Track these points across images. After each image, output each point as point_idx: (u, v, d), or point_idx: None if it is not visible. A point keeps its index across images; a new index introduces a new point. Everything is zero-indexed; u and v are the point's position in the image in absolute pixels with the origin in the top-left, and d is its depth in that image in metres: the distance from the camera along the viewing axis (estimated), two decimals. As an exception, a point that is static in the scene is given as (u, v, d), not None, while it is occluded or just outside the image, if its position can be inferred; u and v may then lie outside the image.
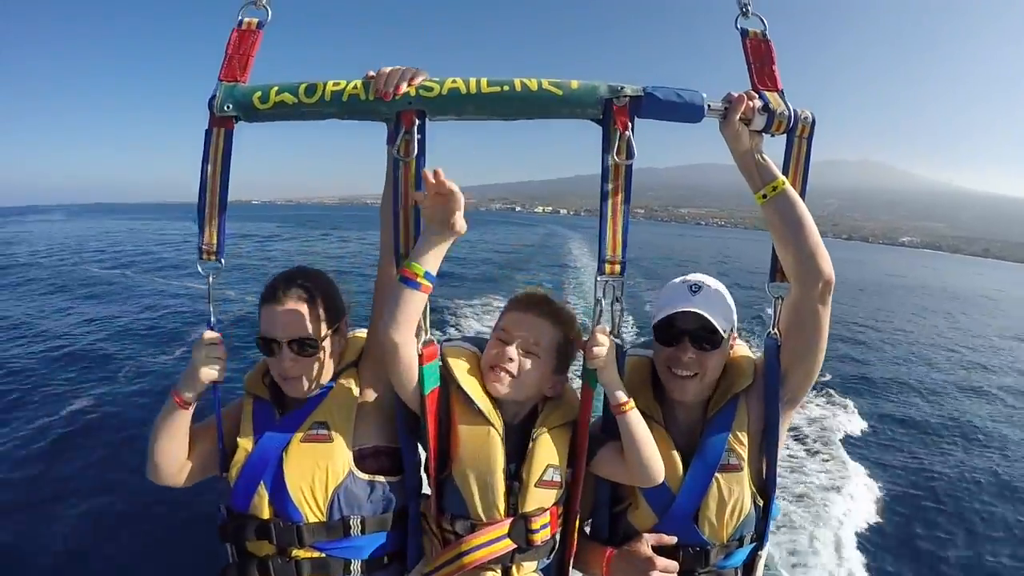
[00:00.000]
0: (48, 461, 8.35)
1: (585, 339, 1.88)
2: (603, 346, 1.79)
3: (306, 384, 1.93)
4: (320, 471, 1.88)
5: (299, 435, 1.91)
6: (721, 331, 1.90)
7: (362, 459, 1.95)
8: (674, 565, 1.91)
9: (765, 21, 1.86)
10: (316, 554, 1.90)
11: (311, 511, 1.88)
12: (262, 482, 1.87)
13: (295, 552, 1.89)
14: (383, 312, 1.80)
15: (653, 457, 1.88)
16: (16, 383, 11.06)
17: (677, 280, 2.07)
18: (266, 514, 1.89)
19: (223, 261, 1.87)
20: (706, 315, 1.87)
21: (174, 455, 1.92)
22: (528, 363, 1.89)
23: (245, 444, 1.92)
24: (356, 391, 1.99)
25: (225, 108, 1.73)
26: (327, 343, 1.95)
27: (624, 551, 1.96)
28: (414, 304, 1.78)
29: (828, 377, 13.69)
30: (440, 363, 1.94)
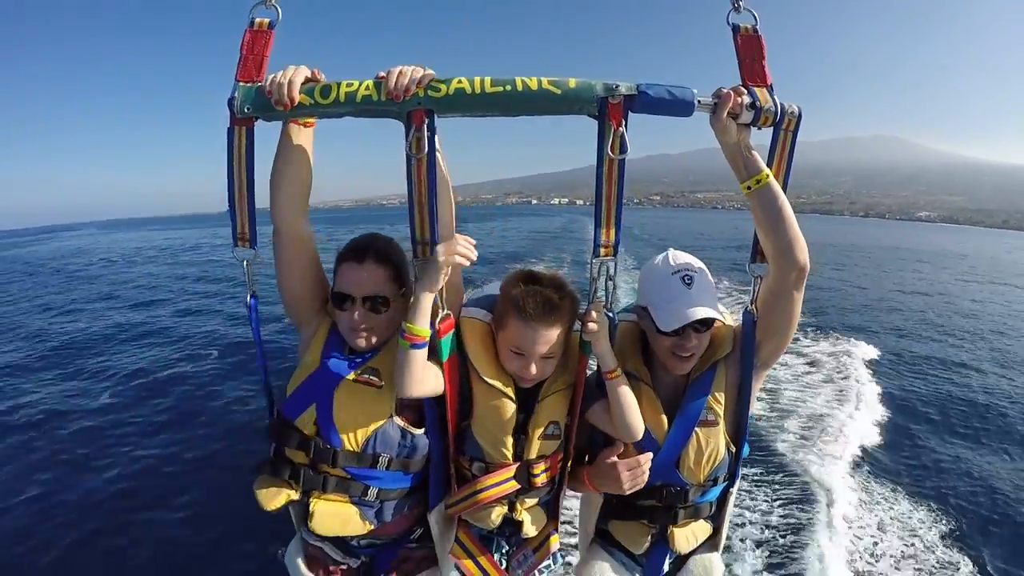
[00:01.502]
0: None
1: (582, 310, 2.03)
2: (598, 320, 1.96)
3: (371, 339, 2.05)
4: (365, 413, 2.04)
5: (353, 375, 2.03)
6: (718, 316, 2.02)
7: (401, 409, 2.09)
8: (636, 460, 2.10)
9: (756, 16, 1.89)
10: (342, 474, 2.05)
11: (349, 442, 2.02)
12: (314, 404, 2.02)
13: (325, 468, 2.05)
14: (400, 378, 1.92)
15: (634, 418, 2.06)
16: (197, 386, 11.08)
17: (661, 265, 2.14)
18: (309, 431, 2.03)
19: (256, 248, 1.96)
20: (710, 315, 1.99)
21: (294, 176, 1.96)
22: (548, 365, 2.05)
23: (311, 361, 2.06)
24: None
25: (245, 110, 1.78)
26: (395, 304, 2.05)
27: (596, 463, 2.19)
28: (422, 357, 1.92)
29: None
30: (455, 334, 2.07)
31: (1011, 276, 34.43)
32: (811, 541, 5.96)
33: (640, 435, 2.09)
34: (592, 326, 1.95)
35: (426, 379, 1.96)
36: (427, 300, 1.88)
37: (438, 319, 1.93)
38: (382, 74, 1.76)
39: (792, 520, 6.31)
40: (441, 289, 1.89)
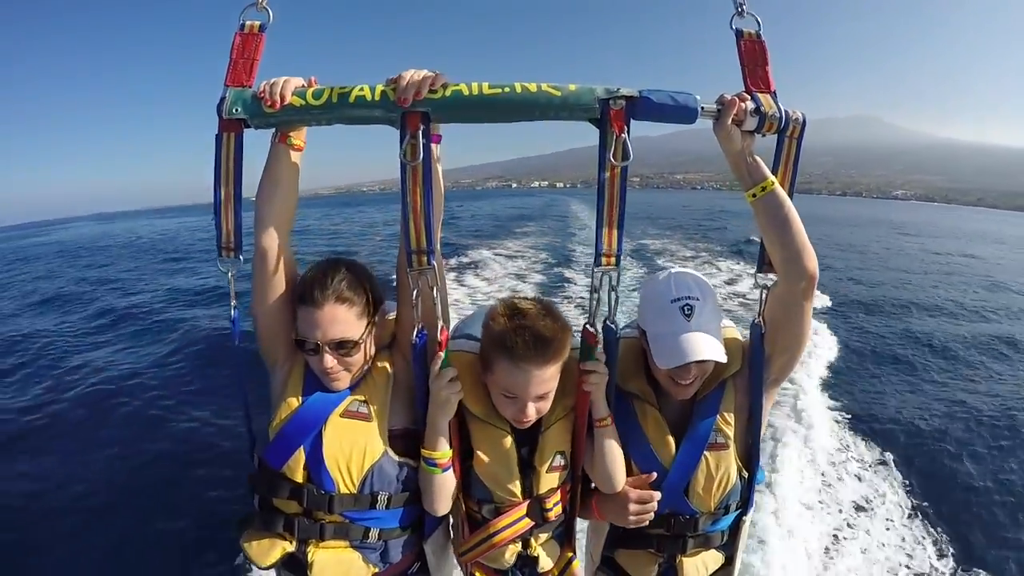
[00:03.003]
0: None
1: (582, 329, 1.90)
2: (598, 374, 1.88)
3: (347, 379, 1.94)
4: (358, 448, 1.92)
5: (340, 410, 1.93)
6: (719, 358, 1.90)
7: (392, 440, 1.98)
8: (648, 494, 2.01)
9: (760, 21, 1.86)
10: (340, 519, 1.94)
11: (344, 483, 1.91)
12: (301, 447, 1.89)
13: (321, 515, 1.93)
14: (432, 502, 1.95)
15: (617, 471, 2.00)
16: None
17: (661, 289, 2.01)
18: (300, 478, 1.90)
19: (242, 257, 1.88)
20: (710, 356, 1.87)
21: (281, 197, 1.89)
22: (545, 404, 1.92)
23: (291, 402, 1.93)
24: (390, 373, 2.02)
25: (234, 111, 1.73)
26: (367, 338, 1.93)
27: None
28: (449, 479, 1.94)
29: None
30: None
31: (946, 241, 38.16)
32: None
33: (619, 487, 2.03)
34: (593, 379, 1.87)
35: (453, 492, 1.99)
36: (444, 425, 1.89)
37: (437, 330, 1.86)
38: (393, 77, 1.73)
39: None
40: (444, 301, 1.86)
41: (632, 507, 2.03)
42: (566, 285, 17.35)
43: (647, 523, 2.06)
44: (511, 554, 2.09)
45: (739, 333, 2.18)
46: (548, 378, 1.86)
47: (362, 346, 1.92)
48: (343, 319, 1.86)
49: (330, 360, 1.86)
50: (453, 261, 21.06)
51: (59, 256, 36.08)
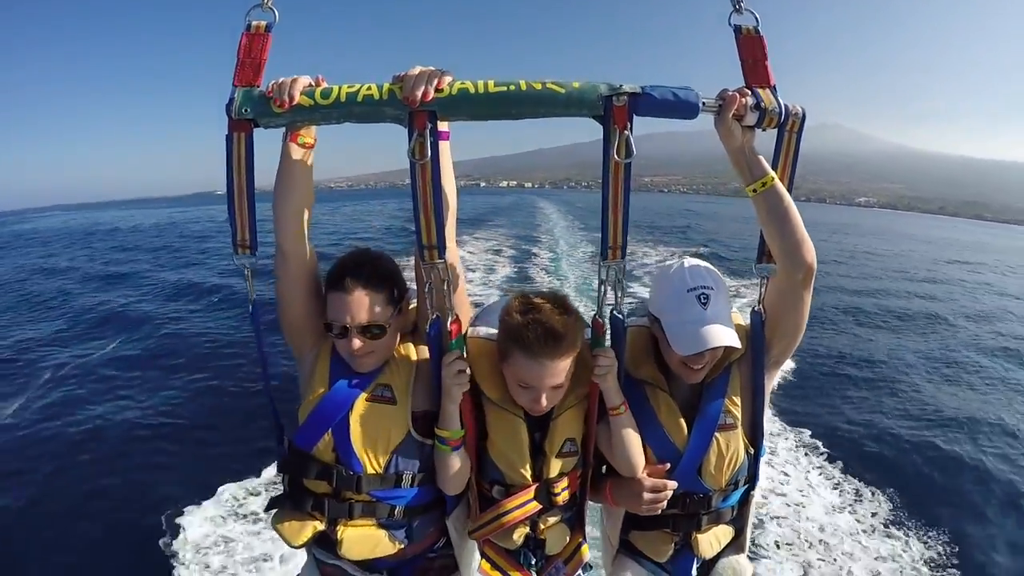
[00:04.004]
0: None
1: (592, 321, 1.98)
2: (608, 361, 1.92)
3: (373, 361, 2.00)
4: (383, 431, 1.98)
5: (366, 394, 1.99)
6: (735, 343, 1.96)
7: (415, 421, 2.02)
8: (662, 483, 2.06)
9: (758, 16, 1.85)
10: (367, 498, 2.00)
11: (371, 464, 1.97)
12: (330, 430, 1.96)
13: (349, 494, 1.99)
14: (445, 481, 2.02)
15: (635, 455, 2.03)
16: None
17: (676, 278, 2.05)
18: (329, 459, 1.98)
19: (256, 254, 1.89)
20: (727, 342, 1.92)
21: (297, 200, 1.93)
22: (559, 393, 1.96)
23: (319, 386, 2.00)
24: (413, 358, 2.08)
25: (243, 111, 1.74)
26: (392, 323, 2.00)
27: (619, 477, 2.14)
28: (462, 455, 2.01)
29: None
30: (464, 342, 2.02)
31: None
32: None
33: (638, 471, 2.07)
34: (602, 365, 1.92)
35: (465, 471, 2.04)
36: (453, 409, 1.95)
37: (448, 321, 1.91)
38: (400, 74, 1.72)
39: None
40: (448, 287, 1.88)
41: (646, 495, 2.06)
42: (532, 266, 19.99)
43: (659, 511, 2.11)
44: (519, 535, 2.14)
45: (742, 319, 2.22)
46: (561, 370, 1.90)
47: (388, 332, 1.99)
48: (371, 305, 1.93)
49: (358, 343, 1.92)
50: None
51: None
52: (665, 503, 2.08)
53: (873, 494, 7.29)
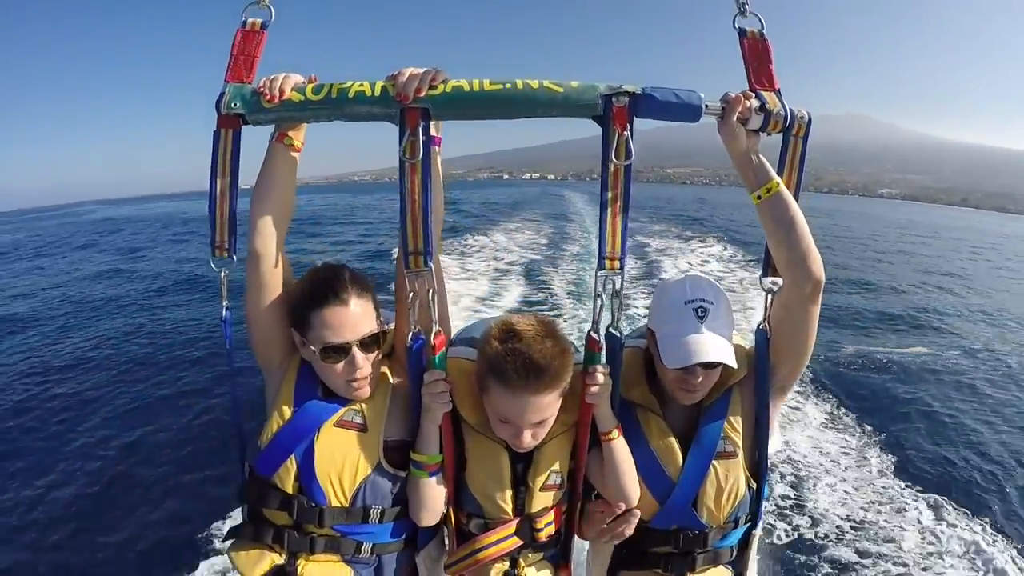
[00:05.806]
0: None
1: (583, 345, 1.88)
2: (601, 379, 1.81)
3: (367, 387, 1.90)
4: (351, 460, 1.86)
5: (334, 419, 1.88)
6: (728, 361, 1.87)
7: (387, 451, 1.92)
8: (626, 519, 1.97)
9: (763, 20, 1.83)
10: (331, 533, 1.89)
11: (336, 496, 1.86)
12: (293, 456, 1.85)
13: (311, 528, 1.87)
14: (419, 510, 1.91)
15: (629, 484, 1.92)
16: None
17: (675, 291, 1.97)
18: (290, 488, 1.85)
19: (235, 257, 1.83)
20: (719, 359, 1.84)
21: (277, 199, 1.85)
22: (543, 428, 1.86)
23: (283, 410, 1.88)
24: (389, 383, 1.98)
25: (232, 106, 1.70)
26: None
27: (588, 508, 2.08)
28: (436, 486, 1.90)
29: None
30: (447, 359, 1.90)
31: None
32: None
33: (634, 502, 1.96)
34: (595, 389, 1.80)
35: (441, 501, 1.94)
36: (432, 430, 1.86)
37: (432, 335, 1.81)
38: (393, 73, 1.69)
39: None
40: (432, 298, 1.79)
41: (602, 523, 2.01)
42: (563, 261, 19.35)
43: (624, 537, 2.02)
44: (498, 572, 2.02)
45: (744, 341, 2.13)
46: (544, 406, 1.79)
47: (380, 344, 1.92)
48: (368, 312, 1.87)
49: (362, 360, 1.83)
50: (459, 241, 22.95)
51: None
52: (631, 527, 1.98)
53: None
